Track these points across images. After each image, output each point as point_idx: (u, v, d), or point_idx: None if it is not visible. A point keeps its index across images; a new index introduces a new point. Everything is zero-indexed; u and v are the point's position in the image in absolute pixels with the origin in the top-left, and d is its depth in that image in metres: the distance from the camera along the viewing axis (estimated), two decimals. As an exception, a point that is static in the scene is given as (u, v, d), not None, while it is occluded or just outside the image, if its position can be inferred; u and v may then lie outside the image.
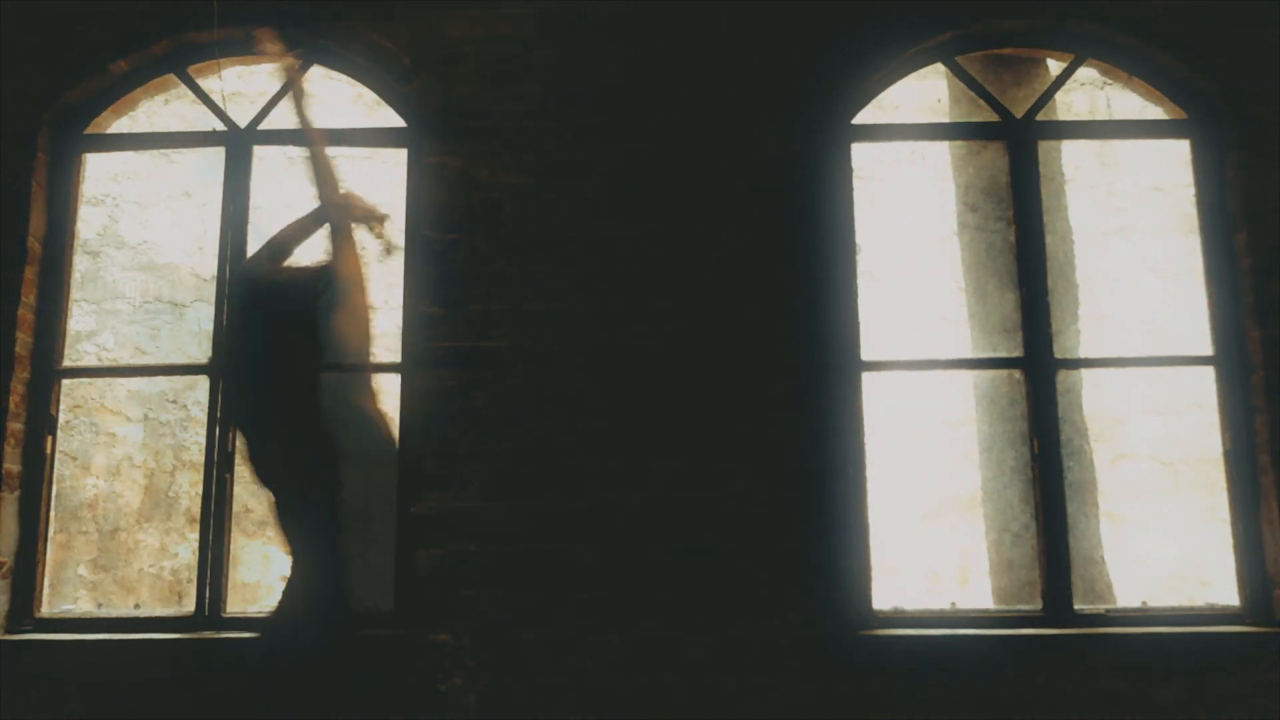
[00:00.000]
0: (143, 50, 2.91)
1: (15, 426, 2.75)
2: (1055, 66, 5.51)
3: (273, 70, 6.18)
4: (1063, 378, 4.55)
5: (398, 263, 6.54)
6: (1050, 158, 4.79)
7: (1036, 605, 4.28)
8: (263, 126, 3.90)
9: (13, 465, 2.74)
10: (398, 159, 6.66)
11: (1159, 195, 6.85)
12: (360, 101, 6.69)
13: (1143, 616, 2.67)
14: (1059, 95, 6.38)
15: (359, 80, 2.97)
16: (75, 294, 6.43)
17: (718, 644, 2.59)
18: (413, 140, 2.93)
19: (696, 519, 2.64)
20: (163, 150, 3.19)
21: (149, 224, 6.54)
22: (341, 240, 2.20)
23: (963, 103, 4.83)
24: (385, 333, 6.57)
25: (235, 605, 6.06)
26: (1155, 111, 7.81)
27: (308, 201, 6.68)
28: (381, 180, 6.70)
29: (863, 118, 8.06)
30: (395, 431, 2.37)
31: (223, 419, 2.61)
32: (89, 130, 2.99)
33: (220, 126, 2.98)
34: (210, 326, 2.75)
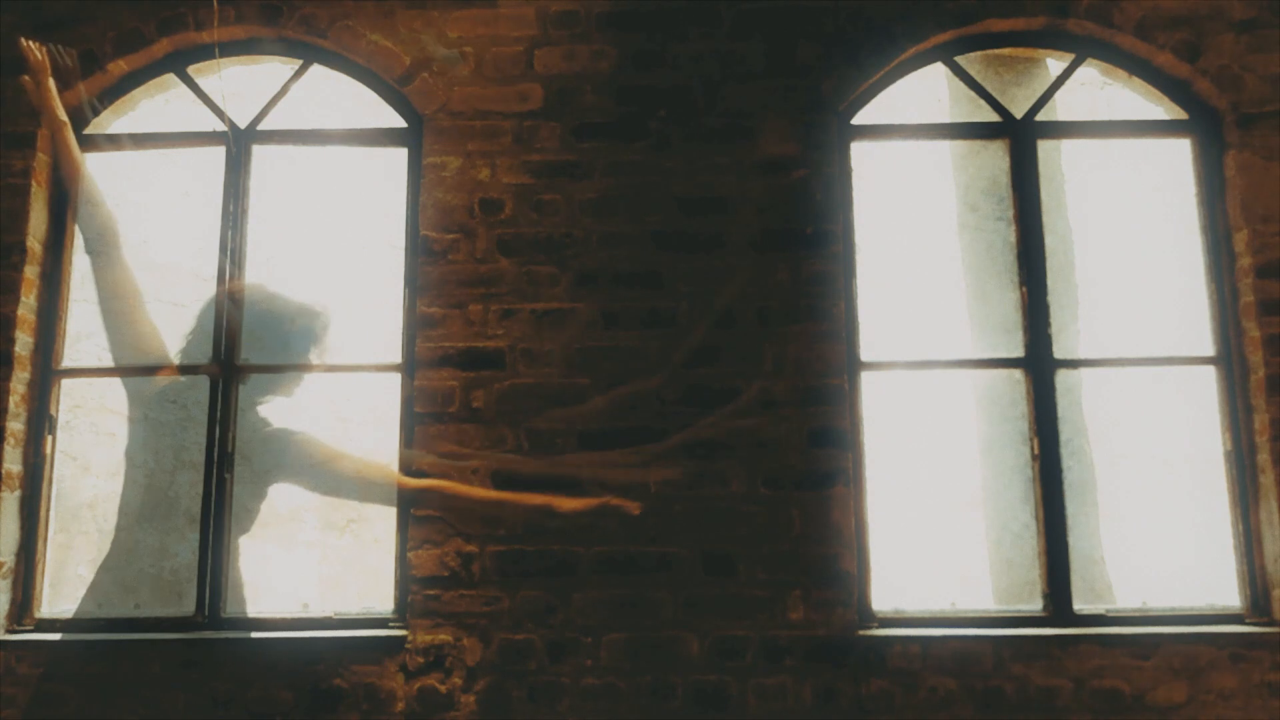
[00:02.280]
0: (143, 50, 2.91)
1: (15, 426, 2.75)
2: (1055, 66, 5.51)
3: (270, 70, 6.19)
4: (1063, 378, 4.55)
5: (398, 262, 6.54)
6: (1050, 158, 4.79)
7: (1036, 605, 4.28)
8: (262, 126, 3.90)
9: (13, 465, 2.74)
10: (398, 159, 6.66)
11: (1159, 195, 6.84)
12: (360, 101, 6.69)
13: (1143, 616, 2.67)
14: (1059, 95, 6.38)
15: (359, 80, 2.97)
16: (75, 294, 6.43)
17: (718, 644, 2.59)
18: (413, 140, 2.93)
19: (696, 519, 2.64)
20: (163, 150, 3.19)
21: (149, 224, 6.54)
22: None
23: (963, 103, 4.83)
24: (385, 332, 6.57)
25: (235, 605, 6.06)
26: (1155, 111, 7.81)
27: (308, 201, 6.68)
28: (381, 180, 6.70)
29: (863, 118, 8.06)
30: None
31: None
32: (89, 130, 2.99)
33: (220, 126, 2.98)
34: (210, 326, 2.76)
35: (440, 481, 2.28)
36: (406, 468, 2.70)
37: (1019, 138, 2.91)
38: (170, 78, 3.03)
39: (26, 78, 2.43)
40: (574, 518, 2.23)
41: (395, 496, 2.32)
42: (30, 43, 2.43)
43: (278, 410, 2.53)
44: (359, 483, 2.31)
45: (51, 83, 2.49)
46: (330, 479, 2.33)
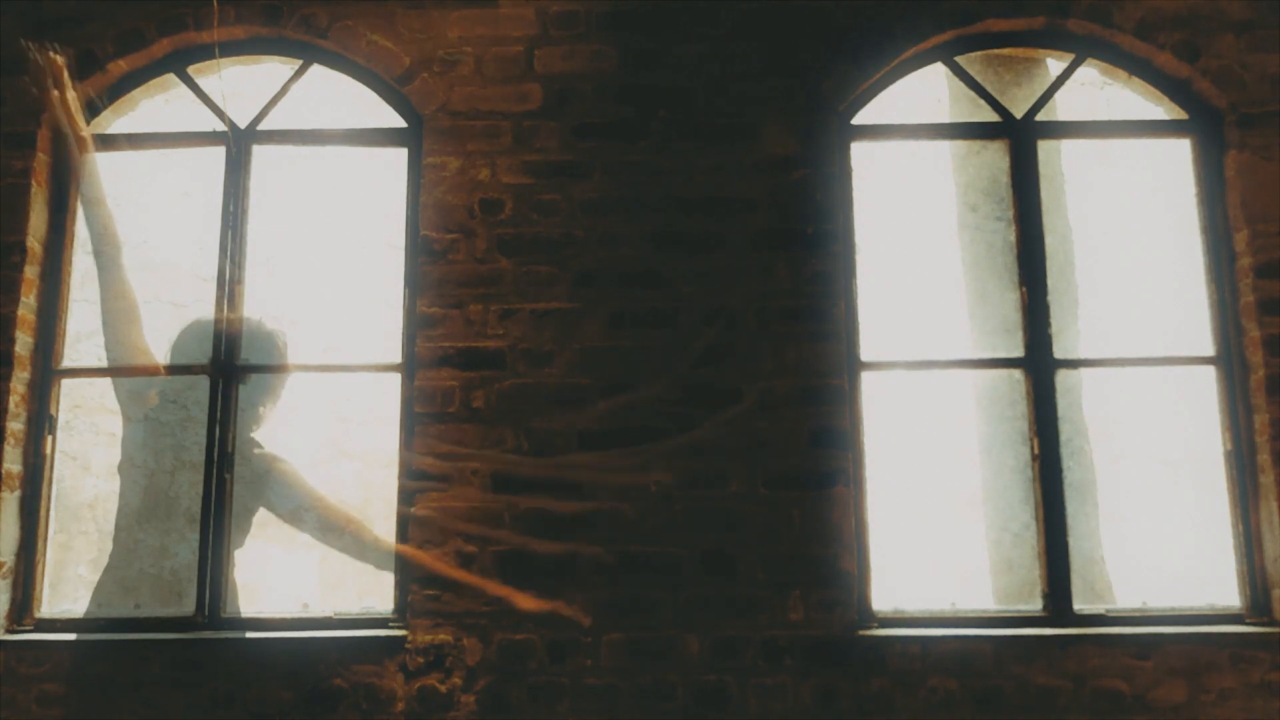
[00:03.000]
0: (143, 50, 2.91)
1: (15, 426, 2.75)
2: (1055, 66, 5.51)
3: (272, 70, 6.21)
4: (1063, 378, 4.55)
5: (398, 262, 6.54)
6: (1050, 158, 4.79)
7: (1036, 605, 4.28)
8: (263, 126, 3.90)
9: (13, 465, 2.74)
10: (398, 159, 6.66)
11: (1159, 195, 6.84)
12: (360, 101, 6.69)
13: (1143, 616, 2.67)
14: (1059, 95, 6.38)
15: (359, 80, 2.97)
16: (75, 294, 6.43)
17: (718, 644, 2.59)
18: (413, 140, 2.93)
19: (696, 519, 2.64)
20: (163, 150, 3.19)
21: (149, 224, 6.54)
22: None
23: (963, 103, 4.83)
24: (385, 332, 6.57)
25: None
26: (1155, 111, 7.81)
27: (308, 201, 6.68)
28: (381, 180, 6.70)
29: (863, 118, 8.06)
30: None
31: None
32: (88, 130, 2.98)
33: (220, 126, 2.98)
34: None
35: (426, 557, 2.50)
36: (406, 468, 2.70)
37: (1019, 138, 2.91)
38: (170, 78, 3.03)
39: (55, 93, 2.42)
40: (526, 614, 2.52)
41: (384, 560, 2.56)
42: (54, 55, 2.42)
43: (267, 429, 2.63)
44: (353, 542, 2.47)
45: (73, 95, 2.48)
46: (326, 530, 2.46)
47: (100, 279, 2.50)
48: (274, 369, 2.79)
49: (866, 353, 6.59)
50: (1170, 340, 6.61)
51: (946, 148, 6.88)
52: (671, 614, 2.60)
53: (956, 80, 4.84)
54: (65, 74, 2.44)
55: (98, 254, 2.51)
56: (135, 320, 2.49)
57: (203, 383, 3.17)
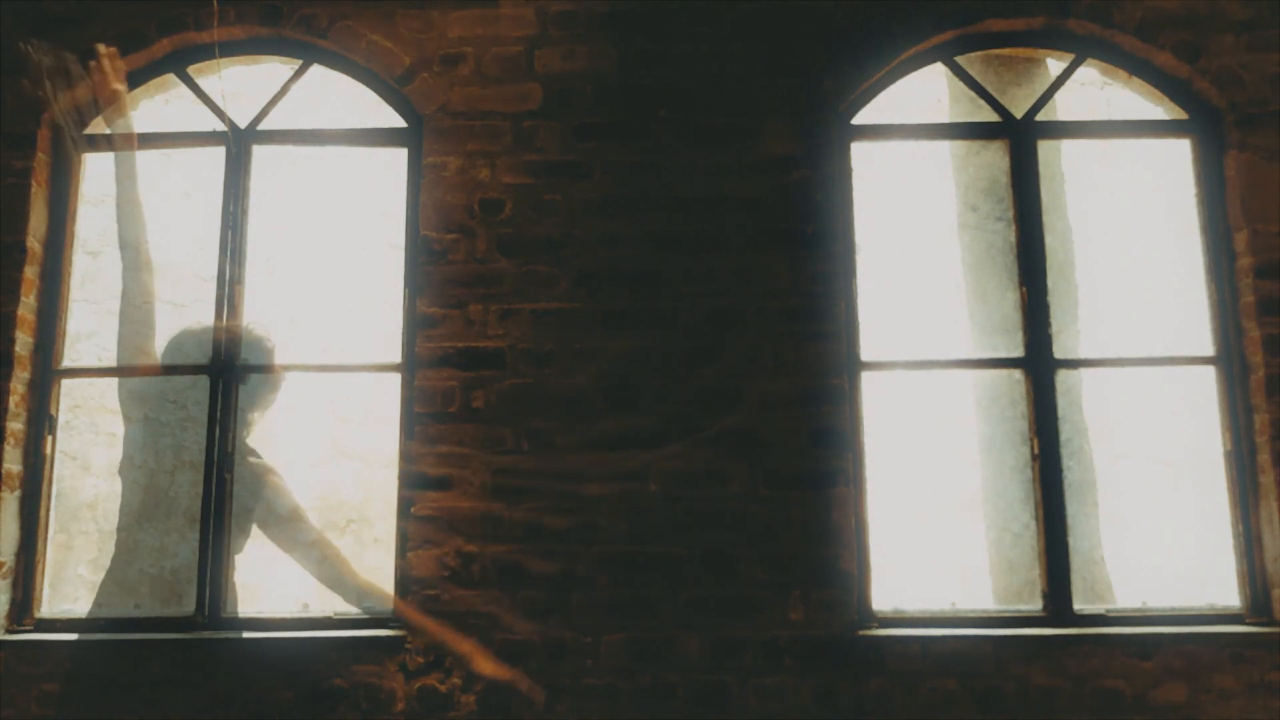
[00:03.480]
0: (143, 50, 2.91)
1: (15, 426, 2.75)
2: (1055, 66, 5.52)
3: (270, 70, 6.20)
4: (1063, 378, 4.55)
5: (398, 262, 6.54)
6: (1050, 158, 4.79)
7: (1036, 605, 4.28)
8: (263, 126, 3.90)
9: (13, 465, 2.74)
10: (398, 159, 6.65)
11: (1159, 195, 6.84)
12: (360, 101, 6.69)
13: (1143, 616, 2.67)
14: (1059, 95, 6.38)
15: (359, 80, 2.97)
16: (75, 294, 6.43)
17: (718, 644, 2.59)
18: (413, 140, 2.93)
19: (696, 519, 2.64)
20: (163, 150, 3.19)
21: (149, 223, 6.53)
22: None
23: (963, 103, 4.83)
24: (385, 332, 6.57)
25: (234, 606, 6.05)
26: (1155, 111, 7.81)
27: (308, 201, 6.68)
28: (381, 180, 6.71)
29: (863, 118, 8.06)
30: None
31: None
32: (89, 130, 2.99)
33: (220, 126, 2.98)
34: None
35: (406, 607, 2.57)
36: (406, 471, 2.70)
37: (1019, 138, 2.91)
38: (170, 78, 3.03)
39: (110, 89, 2.43)
40: (483, 676, 2.57)
41: (357, 597, 2.65)
42: (103, 48, 2.42)
43: (258, 437, 2.65)
44: (342, 579, 2.52)
45: (123, 87, 2.49)
46: (316, 560, 2.52)
47: (124, 279, 2.50)
48: (273, 369, 2.79)
49: (866, 353, 6.59)
50: (1170, 340, 6.60)
51: (946, 148, 6.88)
52: (671, 614, 2.60)
53: (956, 80, 4.84)
54: (122, 70, 2.45)
55: (124, 254, 2.52)
56: (149, 327, 2.48)
57: (202, 384, 3.17)
